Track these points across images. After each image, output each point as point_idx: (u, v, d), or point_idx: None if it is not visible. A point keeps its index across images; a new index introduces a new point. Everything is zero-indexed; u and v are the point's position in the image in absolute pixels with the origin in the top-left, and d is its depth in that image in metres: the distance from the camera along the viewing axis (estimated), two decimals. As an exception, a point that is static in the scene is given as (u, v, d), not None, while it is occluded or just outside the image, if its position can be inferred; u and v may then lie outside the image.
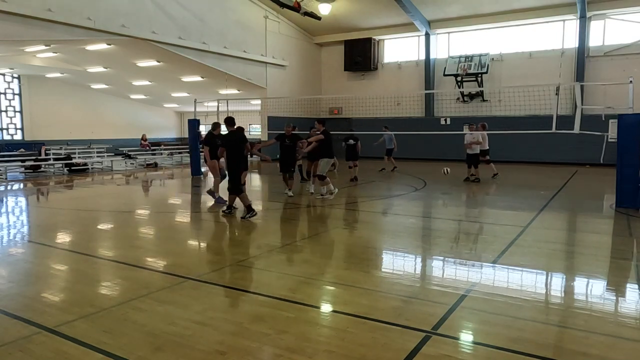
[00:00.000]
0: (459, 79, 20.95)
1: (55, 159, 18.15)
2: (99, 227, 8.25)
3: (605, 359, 3.30)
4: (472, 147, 13.36)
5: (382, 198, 11.40)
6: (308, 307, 4.29)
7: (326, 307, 4.36)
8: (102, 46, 16.53)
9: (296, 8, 18.33)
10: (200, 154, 14.14)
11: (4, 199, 11.93)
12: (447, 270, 5.62)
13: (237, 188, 8.43)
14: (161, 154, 23.23)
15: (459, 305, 4.25)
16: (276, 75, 22.52)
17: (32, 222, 8.94)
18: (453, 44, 22.15)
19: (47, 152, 19.33)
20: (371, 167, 17.37)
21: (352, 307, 4.24)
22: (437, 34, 22.32)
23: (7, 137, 23.86)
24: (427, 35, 22.04)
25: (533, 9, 19.23)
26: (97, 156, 21.33)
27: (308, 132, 12.15)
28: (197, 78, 21.58)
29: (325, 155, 10.52)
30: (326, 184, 10.54)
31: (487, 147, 13.89)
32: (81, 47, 16.63)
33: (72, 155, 19.34)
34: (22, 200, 12.00)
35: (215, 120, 11.26)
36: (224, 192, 9.51)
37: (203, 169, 10.96)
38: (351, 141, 14.46)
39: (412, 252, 6.58)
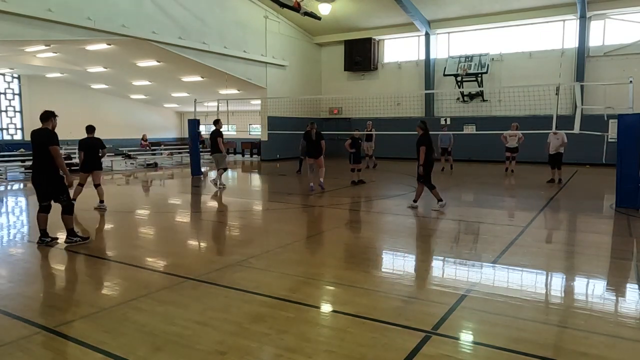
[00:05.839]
0: (459, 79, 20.94)
1: (55, 159, 18.09)
2: (98, 227, 8.25)
3: (605, 359, 3.30)
4: (558, 148, 12.98)
5: (382, 198, 11.40)
6: (308, 307, 4.29)
7: (326, 307, 4.36)
8: (102, 46, 16.51)
9: (296, 8, 18.32)
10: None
11: (4, 199, 11.93)
12: (447, 270, 5.62)
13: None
14: (161, 154, 23.23)
15: (459, 305, 4.25)
16: (276, 75, 22.51)
17: (32, 222, 8.89)
18: (453, 44, 22.14)
19: (47, 152, 19.28)
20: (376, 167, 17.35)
21: (352, 307, 4.24)
22: (437, 34, 22.31)
23: (7, 137, 23.84)
24: (427, 35, 22.03)
25: (533, 9, 19.23)
26: (97, 156, 21.27)
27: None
28: (197, 78, 21.57)
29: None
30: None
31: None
32: (81, 47, 16.61)
33: (72, 155, 19.31)
34: (22, 200, 11.99)
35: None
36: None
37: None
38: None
39: (412, 252, 6.58)
